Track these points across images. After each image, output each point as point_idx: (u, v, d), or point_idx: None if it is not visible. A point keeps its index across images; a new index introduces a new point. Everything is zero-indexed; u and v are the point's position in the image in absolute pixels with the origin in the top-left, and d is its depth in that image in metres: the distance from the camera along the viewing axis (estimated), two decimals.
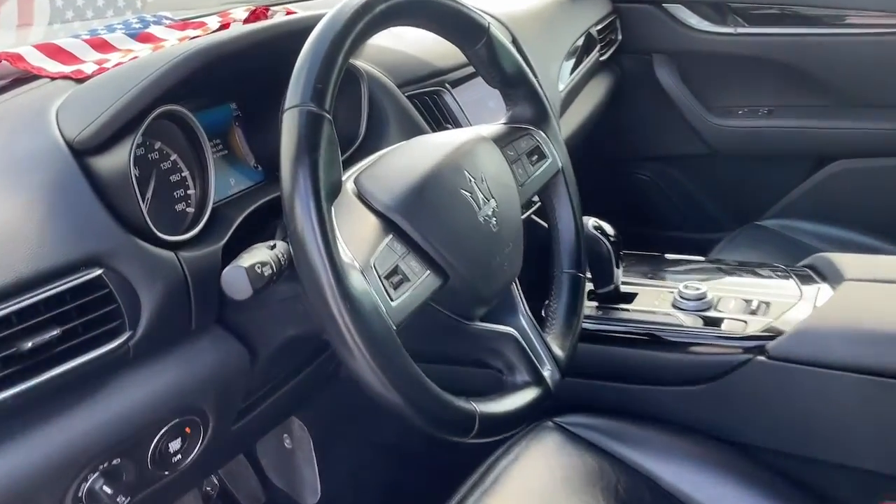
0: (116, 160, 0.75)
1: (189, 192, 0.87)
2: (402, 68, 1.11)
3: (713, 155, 1.96)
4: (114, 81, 0.80)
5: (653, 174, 2.06)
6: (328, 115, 0.64)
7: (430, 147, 0.80)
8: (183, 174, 0.87)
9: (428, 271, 0.71)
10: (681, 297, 1.13)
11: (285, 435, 1.41)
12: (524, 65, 0.91)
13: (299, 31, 0.74)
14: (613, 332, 1.13)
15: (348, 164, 1.02)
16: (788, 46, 1.83)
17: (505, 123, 0.92)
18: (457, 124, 1.13)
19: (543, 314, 1.16)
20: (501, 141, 0.88)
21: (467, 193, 0.77)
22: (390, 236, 0.70)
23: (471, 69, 1.20)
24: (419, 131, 1.08)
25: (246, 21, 0.93)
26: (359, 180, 0.75)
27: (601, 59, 1.83)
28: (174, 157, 0.86)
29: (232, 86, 0.93)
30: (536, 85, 0.93)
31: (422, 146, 0.81)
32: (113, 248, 0.73)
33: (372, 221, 0.71)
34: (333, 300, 0.61)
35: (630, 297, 1.18)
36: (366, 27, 0.69)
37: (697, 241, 2.01)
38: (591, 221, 1.13)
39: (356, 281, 0.64)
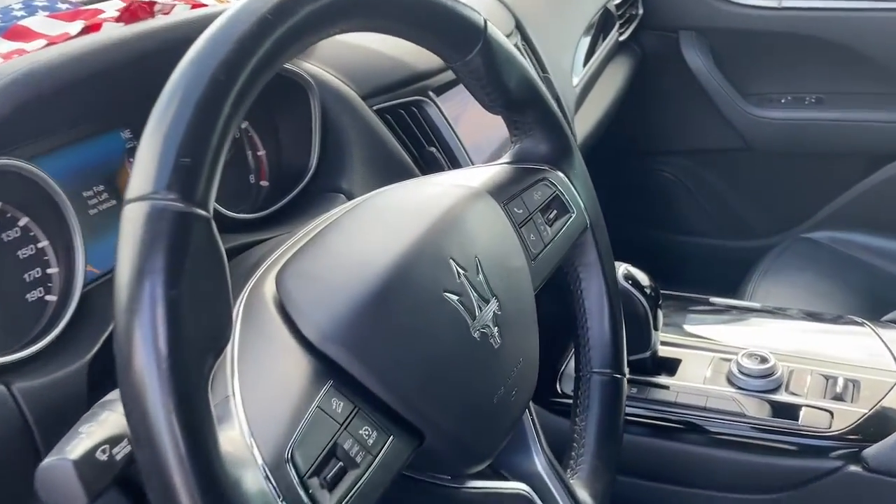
0: None
1: (50, 270, 0.60)
2: (367, 72, 0.82)
3: (749, 150, 1.69)
4: None
5: (677, 172, 1.78)
6: (205, 213, 0.36)
7: (395, 219, 0.52)
8: (39, 245, 0.60)
9: (390, 438, 0.44)
10: (740, 371, 0.86)
11: None
12: (536, 78, 0.63)
13: (188, 40, 0.46)
14: (651, 419, 0.86)
15: (288, 214, 0.76)
16: (842, 23, 1.55)
17: (510, 163, 0.64)
18: (445, 148, 0.85)
19: (561, 388, 0.90)
20: (505, 193, 0.60)
21: (454, 297, 0.49)
22: (327, 387, 0.43)
23: None
24: (393, 160, 0.80)
25: (119, 19, 0.64)
26: (283, 279, 0.47)
27: (620, 38, 1.54)
28: (24, 221, 0.59)
29: (120, 106, 0.65)
30: (553, 106, 0.65)
31: (383, 217, 0.53)
32: None
33: (297, 361, 0.43)
34: None
35: (671, 366, 0.91)
36: (279, 45, 0.41)
37: (728, 250, 1.75)
38: (620, 270, 0.86)
39: (254, 497, 0.36)
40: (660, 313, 0.89)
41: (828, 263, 1.38)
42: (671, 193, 1.79)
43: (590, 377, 0.66)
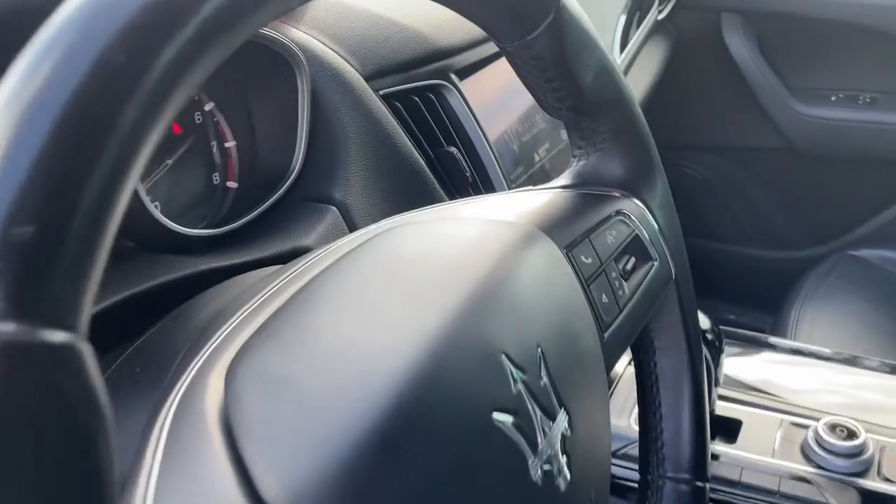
0: None
1: None
2: (372, 46, 0.63)
3: (790, 151, 1.51)
4: None
5: (704, 169, 1.61)
6: (69, 340, 0.18)
7: (416, 281, 0.34)
8: None
9: None
10: (818, 444, 0.69)
11: None
12: (618, 70, 0.44)
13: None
14: (712, 500, 0.69)
15: (261, 230, 0.57)
16: None
17: (570, 186, 0.46)
18: (468, 148, 0.66)
19: None
20: (568, 233, 0.42)
21: (508, 420, 0.31)
22: None
23: (489, 48, 0.72)
24: (402, 163, 0.61)
25: None
26: (236, 379, 0.29)
27: (658, 17, 1.35)
28: None
29: None
30: (638, 109, 0.47)
31: (397, 276, 0.34)
32: None
33: None
34: None
35: (731, 429, 0.74)
36: (219, 21, 0.22)
37: (760, 261, 1.58)
38: None
39: None
40: (723, 364, 0.72)
41: (882, 289, 1.21)
42: (698, 194, 1.61)
43: (662, 485, 0.48)
